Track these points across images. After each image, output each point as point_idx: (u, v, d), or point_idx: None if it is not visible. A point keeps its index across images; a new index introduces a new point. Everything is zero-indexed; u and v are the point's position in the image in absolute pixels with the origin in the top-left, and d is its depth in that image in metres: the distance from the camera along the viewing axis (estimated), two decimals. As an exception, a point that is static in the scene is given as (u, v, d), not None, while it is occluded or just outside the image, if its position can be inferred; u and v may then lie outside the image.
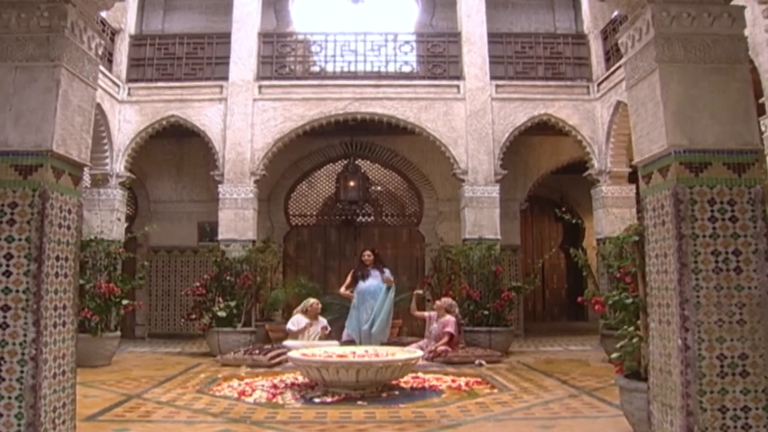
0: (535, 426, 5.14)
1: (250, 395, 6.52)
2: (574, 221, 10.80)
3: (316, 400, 6.32)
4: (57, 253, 3.81)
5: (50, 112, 3.77)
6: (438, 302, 9.73)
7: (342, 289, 10.24)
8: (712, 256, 3.68)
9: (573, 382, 7.27)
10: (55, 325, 3.79)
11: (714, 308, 3.64)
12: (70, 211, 3.95)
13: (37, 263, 3.65)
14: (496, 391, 6.81)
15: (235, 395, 6.53)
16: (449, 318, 9.35)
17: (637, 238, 4.42)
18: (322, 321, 9.59)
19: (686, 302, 3.64)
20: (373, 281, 9.84)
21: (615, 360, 4.78)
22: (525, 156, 13.21)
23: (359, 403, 6.16)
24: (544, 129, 12.08)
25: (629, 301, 4.44)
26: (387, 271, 9.96)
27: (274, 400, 6.33)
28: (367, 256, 10.09)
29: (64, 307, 3.89)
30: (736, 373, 3.59)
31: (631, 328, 4.78)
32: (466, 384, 7.19)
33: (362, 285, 9.88)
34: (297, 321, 9.40)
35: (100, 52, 4.31)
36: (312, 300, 9.60)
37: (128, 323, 12.56)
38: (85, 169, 11.94)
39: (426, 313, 10.01)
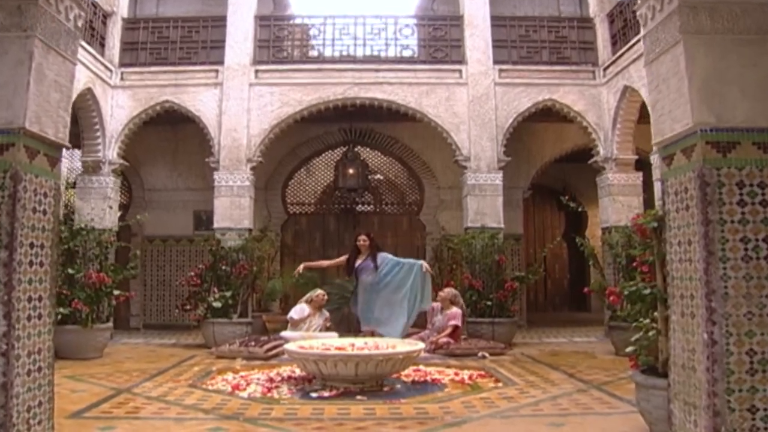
0: (544, 424, 4.87)
1: (245, 389, 6.25)
2: (580, 209, 10.60)
3: (313, 394, 6.06)
4: (31, 240, 3.53)
5: (22, 86, 3.47)
6: (441, 293, 9.37)
7: (325, 261, 10.03)
8: (741, 243, 3.40)
9: (580, 375, 7.01)
10: (29, 318, 3.52)
11: (743, 300, 3.36)
12: (46, 195, 3.66)
13: (8, 251, 3.37)
14: (500, 385, 6.54)
15: (229, 389, 6.26)
16: (456, 310, 9.06)
17: (656, 224, 4.13)
18: (325, 313, 9.30)
19: (713, 293, 3.37)
20: (371, 275, 9.33)
21: (630, 354, 4.50)
22: (528, 143, 12.91)
23: (358, 397, 5.89)
24: (548, 115, 11.79)
25: (647, 291, 4.15)
26: (383, 255, 9.49)
27: (270, 394, 6.07)
28: (363, 240, 9.54)
29: (40, 299, 3.61)
30: (767, 371, 3.32)
31: (647, 321, 4.50)
32: (470, 377, 6.93)
33: (365, 281, 9.35)
34: (300, 310, 9.12)
35: (79, 24, 4.00)
36: (319, 291, 9.29)
37: (123, 314, 12.34)
38: (77, 156, 11.56)
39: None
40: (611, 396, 5.80)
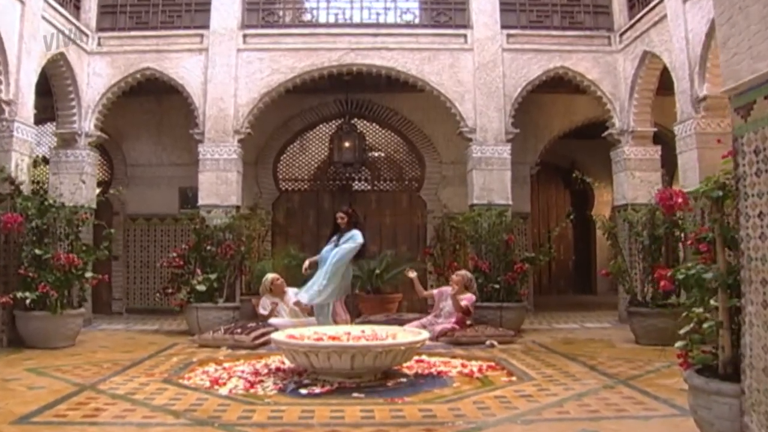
0: (573, 431, 4.12)
1: (225, 384, 5.50)
2: (596, 184, 9.91)
3: (303, 390, 5.30)
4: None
5: None
6: (456, 276, 8.44)
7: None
8: None
9: (602, 367, 6.27)
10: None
11: None
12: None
13: None
14: (515, 379, 5.79)
15: (208, 384, 5.52)
16: (470, 296, 8.29)
17: (720, 193, 3.35)
18: (293, 296, 8.54)
19: (812, 278, 2.60)
20: (329, 247, 8.51)
21: (680, 349, 3.75)
22: (536, 116, 12.10)
23: (354, 395, 5.14)
24: (557, 86, 11.05)
25: (709, 275, 3.38)
26: (353, 232, 8.48)
27: (253, 390, 5.32)
28: (341, 218, 8.59)
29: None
30: None
31: (699, 310, 3.75)
32: (479, 370, 6.20)
33: (323, 251, 8.58)
34: (263, 304, 8.40)
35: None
36: (271, 276, 8.57)
37: (104, 298, 11.64)
38: (51, 127, 10.72)
39: (434, 291, 8.90)
40: (643, 394, 5.06)
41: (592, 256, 16.77)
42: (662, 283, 3.93)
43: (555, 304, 13.10)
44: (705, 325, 3.66)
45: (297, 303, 8.50)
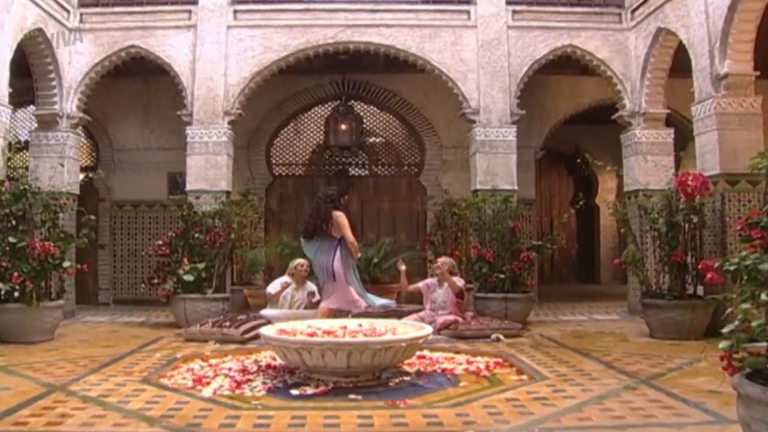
0: (599, 442, 3.66)
1: (209, 384, 5.02)
2: (607, 168, 9.46)
3: (294, 391, 4.82)
4: None
5: None
6: (442, 265, 7.86)
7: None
8: None
9: (619, 365, 5.80)
10: None
11: None
12: None
13: None
14: (525, 378, 5.32)
15: (190, 384, 5.03)
16: (458, 279, 7.80)
17: (780, 168, 2.86)
18: (309, 286, 8.06)
19: None
20: None
21: (725, 350, 3.25)
22: (541, 98, 11.59)
23: (351, 396, 4.67)
24: (563, 66, 10.59)
25: (766, 266, 2.90)
26: None
27: (240, 391, 4.84)
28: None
29: None
30: None
31: (747, 305, 3.25)
32: (486, 367, 5.74)
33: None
34: (278, 283, 7.93)
35: None
36: (298, 260, 8.02)
37: (90, 288, 11.19)
38: (31, 109, 10.12)
39: (420, 284, 8.33)
40: (669, 396, 4.58)
41: (596, 244, 16.38)
42: (709, 275, 3.44)
43: (559, 294, 12.69)
44: (754, 323, 3.17)
45: (311, 294, 7.96)
